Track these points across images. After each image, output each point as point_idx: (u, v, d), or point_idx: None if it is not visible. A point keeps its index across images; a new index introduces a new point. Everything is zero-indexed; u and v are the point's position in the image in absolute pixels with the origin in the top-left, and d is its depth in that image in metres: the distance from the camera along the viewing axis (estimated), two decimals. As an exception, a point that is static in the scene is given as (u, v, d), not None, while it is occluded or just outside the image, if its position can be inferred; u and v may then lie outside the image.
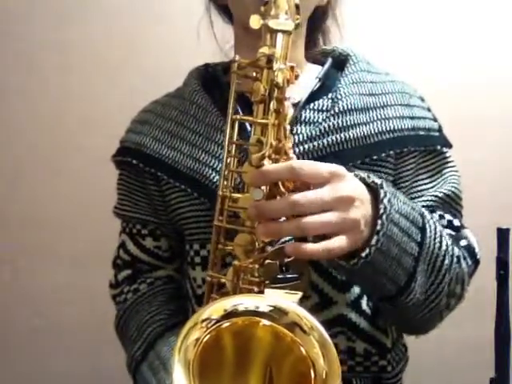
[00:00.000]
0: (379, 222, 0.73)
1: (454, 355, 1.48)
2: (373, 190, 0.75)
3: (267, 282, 0.72)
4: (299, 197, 0.68)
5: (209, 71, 1.03)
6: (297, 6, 0.77)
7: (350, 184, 0.72)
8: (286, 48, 0.76)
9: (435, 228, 0.81)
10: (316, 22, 1.00)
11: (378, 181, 0.75)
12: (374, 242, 0.73)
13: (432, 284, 0.81)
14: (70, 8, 1.53)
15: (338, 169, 0.72)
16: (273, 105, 0.73)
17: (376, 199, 0.74)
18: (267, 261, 0.72)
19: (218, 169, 0.90)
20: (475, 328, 1.35)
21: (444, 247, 0.81)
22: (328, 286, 0.89)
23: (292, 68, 0.75)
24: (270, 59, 0.74)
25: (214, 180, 0.89)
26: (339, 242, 0.69)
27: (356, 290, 0.91)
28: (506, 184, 1.50)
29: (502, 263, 0.79)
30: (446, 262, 0.82)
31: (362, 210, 0.72)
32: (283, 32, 0.75)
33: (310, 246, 0.69)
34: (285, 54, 0.75)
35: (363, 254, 0.72)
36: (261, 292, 0.72)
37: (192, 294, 0.97)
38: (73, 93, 1.55)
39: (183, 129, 0.95)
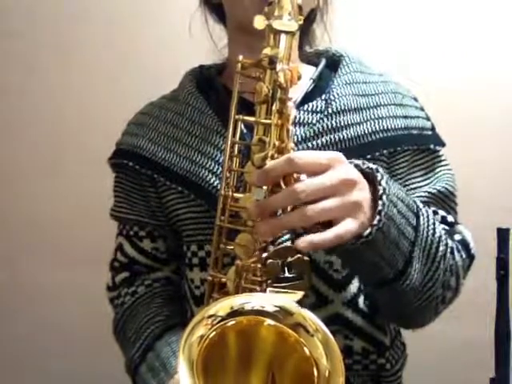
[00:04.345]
0: (380, 202, 0.73)
1: (454, 355, 1.48)
2: (368, 175, 0.75)
3: (269, 281, 0.73)
4: (300, 185, 0.68)
5: (203, 73, 1.03)
6: (300, 7, 0.78)
7: (350, 168, 0.72)
8: (289, 49, 0.76)
9: (428, 215, 0.82)
10: (305, 24, 1.00)
11: (373, 166, 0.76)
12: (375, 221, 0.72)
13: (428, 270, 0.81)
14: (70, 8, 1.53)
15: (337, 154, 0.72)
16: (276, 105, 0.73)
17: (373, 184, 0.74)
18: (269, 260, 0.72)
19: (214, 170, 0.90)
20: (475, 328, 1.35)
21: (438, 234, 0.82)
22: (324, 285, 0.90)
23: (295, 69, 0.75)
24: (273, 60, 0.74)
25: (211, 181, 0.90)
26: (347, 226, 0.70)
27: (352, 288, 0.91)
28: (506, 184, 1.50)
29: (502, 263, 0.79)
30: (441, 249, 0.82)
31: (363, 193, 0.72)
32: (287, 33, 0.76)
33: (321, 236, 0.68)
34: (288, 54, 0.76)
35: (365, 233, 0.72)
36: (263, 291, 0.72)
37: (190, 295, 0.97)
38: (73, 93, 1.55)
39: (179, 131, 0.95)
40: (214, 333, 0.65)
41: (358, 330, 0.91)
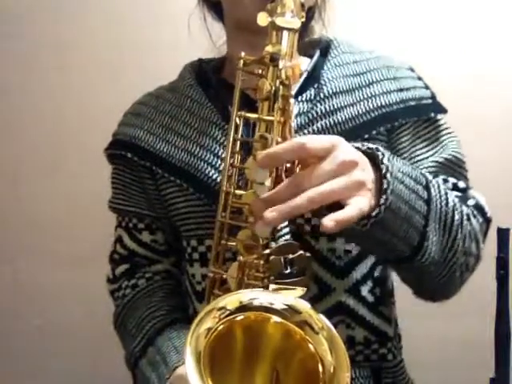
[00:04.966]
0: (384, 181, 0.73)
1: (454, 355, 1.48)
2: (370, 155, 0.74)
3: (271, 277, 0.73)
4: (303, 172, 0.68)
5: (203, 66, 1.03)
6: (302, 5, 0.78)
7: (350, 149, 0.71)
8: (292, 46, 0.76)
9: (439, 186, 0.81)
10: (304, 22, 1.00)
11: (373, 146, 0.75)
12: (382, 200, 0.72)
13: (447, 241, 0.81)
14: (69, 8, 1.53)
15: (338, 138, 0.71)
16: (278, 102, 0.73)
17: (375, 164, 0.74)
18: (272, 257, 0.72)
19: (212, 163, 0.90)
20: (475, 328, 1.35)
21: (451, 203, 0.81)
22: (327, 273, 0.89)
23: (297, 66, 0.75)
24: (275, 57, 0.74)
25: (210, 174, 0.89)
26: (360, 202, 0.69)
27: (355, 275, 0.91)
28: (506, 184, 1.49)
29: (502, 263, 0.79)
30: (456, 217, 0.81)
31: (365, 173, 0.71)
32: (289, 30, 0.76)
33: (344, 213, 0.67)
34: (290, 51, 0.76)
35: (373, 214, 0.72)
36: (265, 288, 0.72)
37: (192, 291, 0.97)
38: (73, 92, 1.55)
39: (177, 122, 0.95)
40: (222, 326, 0.65)
41: (359, 318, 0.91)
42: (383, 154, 0.74)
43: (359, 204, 0.68)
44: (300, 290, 0.71)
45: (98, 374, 1.51)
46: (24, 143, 1.56)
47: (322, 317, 0.68)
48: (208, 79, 0.99)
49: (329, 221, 0.66)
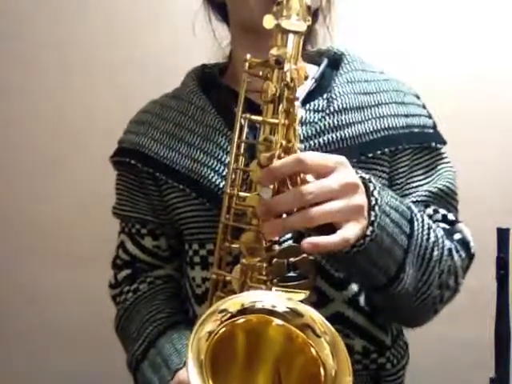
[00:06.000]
0: (372, 213, 0.74)
1: (454, 355, 1.48)
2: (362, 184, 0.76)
3: (274, 280, 0.73)
4: (306, 187, 0.69)
5: (206, 72, 1.03)
6: (309, 8, 0.78)
7: (353, 172, 0.73)
8: (297, 48, 0.76)
9: (422, 221, 0.83)
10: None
11: (366, 176, 0.77)
12: (368, 232, 0.74)
13: (422, 275, 0.82)
14: (69, 8, 1.53)
15: (342, 158, 0.73)
16: (283, 105, 0.73)
17: (366, 194, 0.75)
18: (275, 260, 0.73)
19: (216, 169, 0.90)
20: (475, 328, 1.35)
21: (432, 239, 0.83)
22: (325, 283, 0.90)
23: (302, 68, 0.75)
24: (281, 60, 0.74)
25: (213, 180, 0.90)
26: (353, 230, 0.71)
27: (353, 287, 0.91)
28: (506, 184, 1.49)
29: (502, 263, 0.79)
30: (435, 253, 0.83)
31: (364, 198, 0.73)
32: (295, 33, 0.76)
33: (327, 239, 0.69)
34: (296, 54, 0.76)
35: (358, 243, 0.73)
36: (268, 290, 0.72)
37: (191, 294, 0.97)
38: (73, 92, 1.55)
39: (181, 129, 0.96)
40: (223, 329, 0.66)
41: (358, 329, 0.91)
42: (374, 187, 0.76)
43: (347, 233, 0.70)
44: (304, 294, 0.71)
45: (98, 374, 1.51)
46: (24, 143, 1.55)
47: (325, 321, 0.68)
48: (212, 85, 1.00)
49: (307, 243, 0.68)
